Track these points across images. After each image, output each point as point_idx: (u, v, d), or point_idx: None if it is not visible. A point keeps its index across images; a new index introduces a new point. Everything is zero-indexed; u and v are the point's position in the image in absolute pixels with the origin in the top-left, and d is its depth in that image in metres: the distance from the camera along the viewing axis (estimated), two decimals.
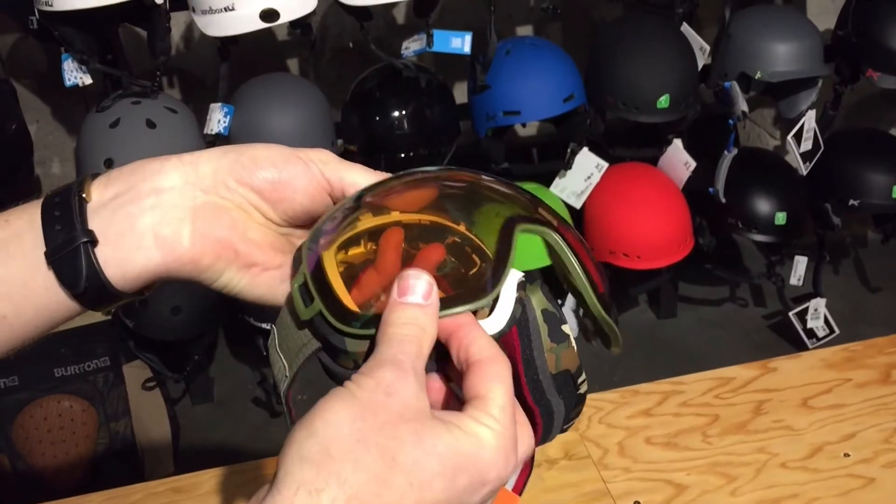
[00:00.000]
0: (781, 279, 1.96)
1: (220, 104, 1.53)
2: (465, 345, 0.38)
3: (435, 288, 0.38)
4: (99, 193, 0.43)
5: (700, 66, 1.76)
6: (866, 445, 0.80)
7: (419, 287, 0.38)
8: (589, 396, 0.87)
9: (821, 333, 1.95)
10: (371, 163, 0.45)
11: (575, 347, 0.41)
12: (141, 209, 0.42)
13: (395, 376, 0.36)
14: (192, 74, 1.97)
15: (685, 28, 1.76)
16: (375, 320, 0.38)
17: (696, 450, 0.81)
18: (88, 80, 1.47)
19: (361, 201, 0.42)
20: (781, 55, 1.72)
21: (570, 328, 0.41)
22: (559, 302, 0.42)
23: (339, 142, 1.68)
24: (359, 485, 0.33)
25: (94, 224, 0.42)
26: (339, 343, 0.38)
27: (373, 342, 0.38)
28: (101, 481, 1.58)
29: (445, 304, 0.38)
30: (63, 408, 1.57)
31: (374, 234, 0.41)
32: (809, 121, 1.76)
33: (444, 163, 1.65)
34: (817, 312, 1.93)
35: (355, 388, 0.36)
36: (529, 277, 0.41)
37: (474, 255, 0.41)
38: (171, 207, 0.43)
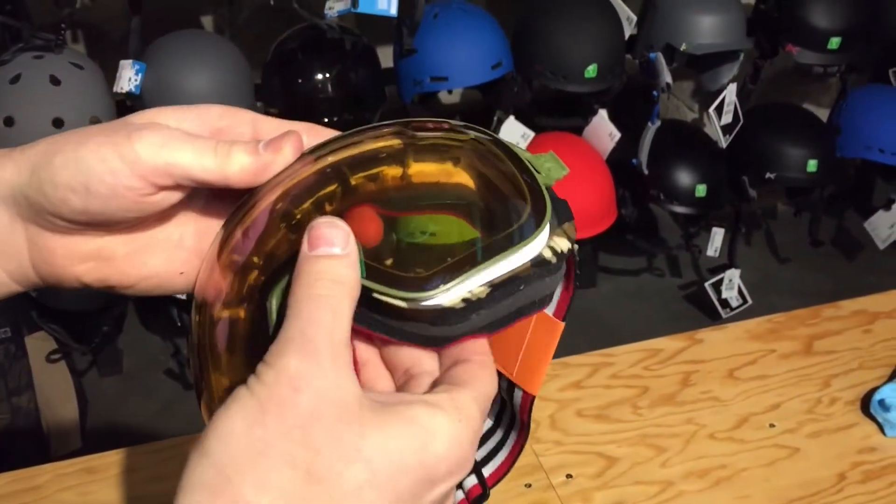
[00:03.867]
0: (699, 250, 2.00)
1: (130, 61, 1.45)
2: (484, 356, 0.34)
3: (352, 237, 0.32)
4: None
5: (626, 37, 1.77)
6: (790, 416, 0.82)
7: (333, 236, 0.32)
8: None
9: (734, 303, 2.00)
10: None
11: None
12: None
13: (302, 363, 0.29)
14: (100, 29, 1.86)
15: None
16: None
17: (627, 422, 0.81)
18: None
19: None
20: (706, 28, 1.74)
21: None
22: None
23: (260, 104, 1.62)
24: None
25: None
26: None
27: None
28: (3, 459, 1.50)
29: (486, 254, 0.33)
30: None
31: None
32: (730, 94, 1.79)
33: None
34: (732, 283, 1.98)
35: (255, 385, 0.29)
36: None
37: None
38: (10, 244, 0.37)
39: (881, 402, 0.80)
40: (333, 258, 0.31)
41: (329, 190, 0.34)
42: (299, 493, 0.28)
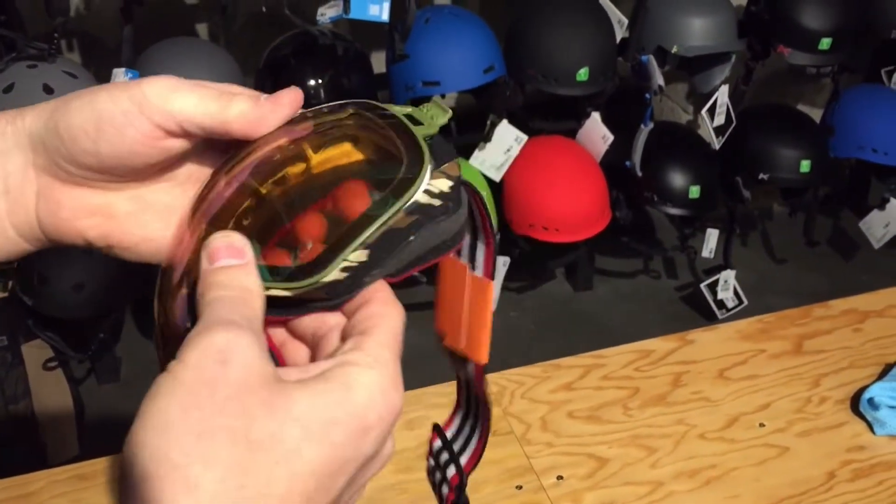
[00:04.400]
0: (694, 251, 2.00)
1: (123, 69, 1.45)
2: (383, 297, 0.34)
3: (248, 246, 0.34)
4: None
5: (618, 40, 1.77)
6: (780, 415, 0.82)
7: (229, 249, 0.33)
8: (511, 371, 0.88)
9: (730, 304, 2.00)
10: None
11: None
12: None
13: (227, 338, 0.30)
14: (94, 37, 1.86)
15: (603, 0, 1.76)
16: None
17: (618, 423, 0.81)
18: None
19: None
20: (697, 30, 1.74)
21: None
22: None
23: None
24: (214, 483, 0.28)
25: None
26: None
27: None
28: (0, 466, 1.50)
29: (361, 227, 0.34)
30: None
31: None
32: (723, 95, 1.79)
33: None
34: (727, 284, 1.98)
35: (179, 370, 0.30)
36: None
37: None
38: (20, 194, 0.38)
39: (870, 401, 0.81)
40: (233, 268, 0.33)
41: (245, 206, 0.36)
42: (243, 462, 0.29)
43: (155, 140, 0.36)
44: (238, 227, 0.35)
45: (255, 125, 0.36)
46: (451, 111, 0.38)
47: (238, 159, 0.37)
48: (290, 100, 0.37)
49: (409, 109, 0.38)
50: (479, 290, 0.39)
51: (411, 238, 0.34)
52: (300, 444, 0.30)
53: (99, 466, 0.75)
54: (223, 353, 0.30)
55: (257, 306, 0.33)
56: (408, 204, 0.34)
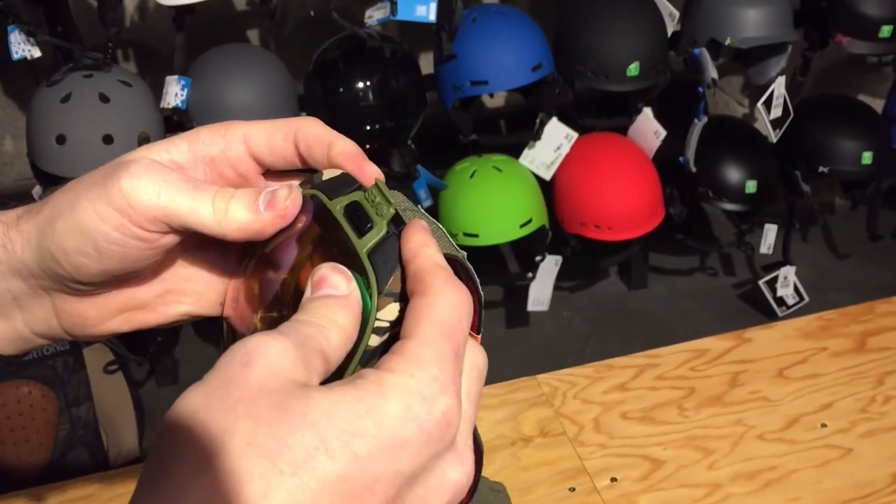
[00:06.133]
0: (751, 248, 1.96)
1: (176, 76, 1.47)
2: (419, 269, 0.31)
3: (354, 282, 0.31)
4: None
5: (669, 33, 1.74)
6: (843, 415, 0.80)
7: (335, 279, 0.31)
8: (563, 372, 0.86)
9: (790, 301, 1.95)
10: None
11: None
12: (8, 305, 0.37)
13: (258, 342, 0.28)
14: (149, 46, 1.90)
15: None
16: None
17: (673, 423, 0.79)
18: (37, 53, 1.40)
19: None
20: (751, 21, 1.70)
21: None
22: None
23: (304, 114, 1.64)
24: (199, 495, 0.26)
25: None
26: None
27: None
28: (63, 468, 1.54)
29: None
30: (21, 394, 1.52)
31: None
32: (779, 87, 1.75)
33: (411, 135, 1.62)
34: (787, 280, 1.93)
35: (209, 373, 0.28)
36: None
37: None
38: (37, 308, 0.37)
39: None
40: (331, 297, 0.31)
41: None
42: (239, 469, 0.26)
43: (154, 243, 0.34)
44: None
45: (257, 235, 0.34)
46: (394, 199, 0.33)
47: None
48: (292, 202, 0.34)
49: (356, 197, 0.33)
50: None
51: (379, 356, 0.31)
52: (313, 455, 0.26)
53: None
54: (248, 354, 0.28)
55: (334, 337, 0.30)
56: (358, 359, 0.31)
